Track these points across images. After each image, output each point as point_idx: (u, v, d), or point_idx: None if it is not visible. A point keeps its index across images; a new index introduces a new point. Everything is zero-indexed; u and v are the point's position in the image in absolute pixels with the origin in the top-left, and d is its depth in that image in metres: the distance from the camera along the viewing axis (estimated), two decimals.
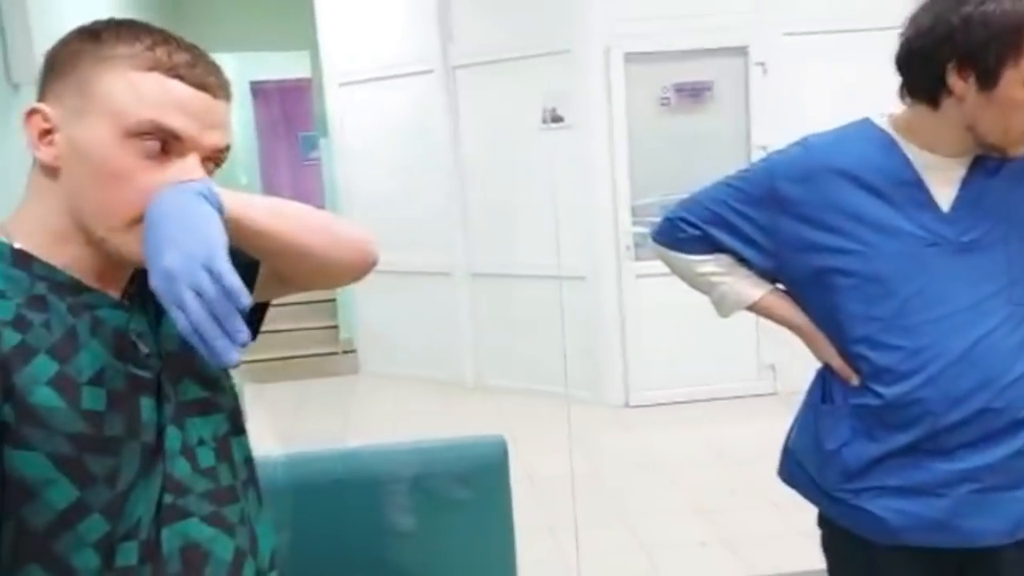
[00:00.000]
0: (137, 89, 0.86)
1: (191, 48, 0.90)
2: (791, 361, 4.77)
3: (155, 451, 0.90)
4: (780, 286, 1.50)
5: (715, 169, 5.52)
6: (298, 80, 7.95)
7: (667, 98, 4.62)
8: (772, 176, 1.43)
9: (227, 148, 0.92)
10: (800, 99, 4.58)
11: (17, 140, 3.04)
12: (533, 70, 4.76)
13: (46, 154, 0.88)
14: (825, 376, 1.47)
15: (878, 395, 1.36)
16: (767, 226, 1.43)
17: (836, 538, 1.48)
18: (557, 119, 4.75)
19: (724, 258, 1.49)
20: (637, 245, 4.68)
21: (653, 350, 4.78)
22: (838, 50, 4.61)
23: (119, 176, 0.86)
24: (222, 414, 1.00)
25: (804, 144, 1.45)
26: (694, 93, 4.63)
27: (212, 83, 0.89)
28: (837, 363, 1.42)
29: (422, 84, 5.19)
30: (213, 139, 0.89)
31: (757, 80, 4.62)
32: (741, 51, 4.62)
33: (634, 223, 4.66)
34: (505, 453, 1.55)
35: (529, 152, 4.89)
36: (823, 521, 1.51)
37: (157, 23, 0.94)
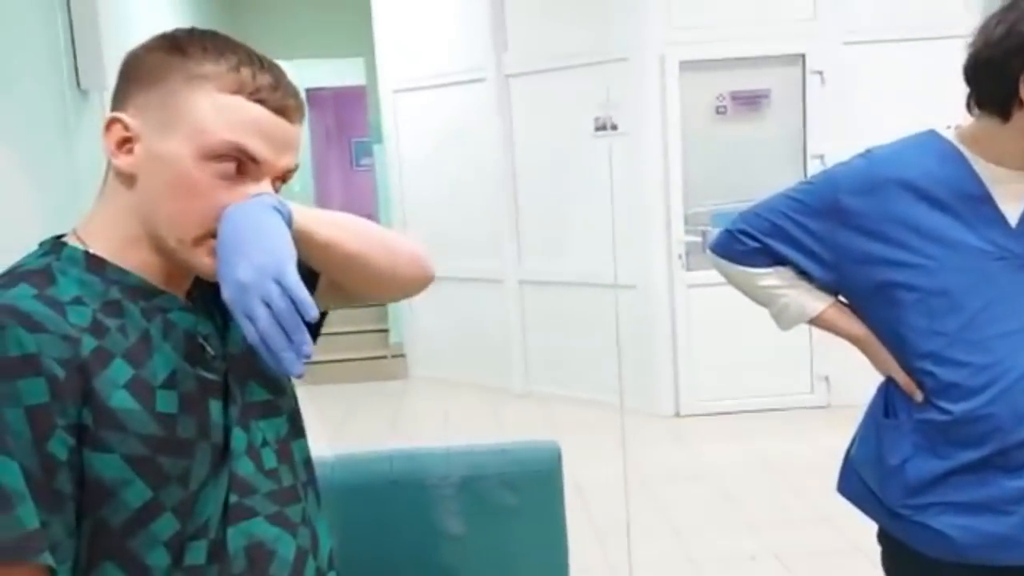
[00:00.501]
0: (221, 112, 0.87)
1: (272, 68, 0.92)
2: (845, 374, 4.72)
3: (222, 452, 0.92)
4: (842, 299, 1.49)
5: (770, 178, 5.48)
6: (352, 87, 8.04)
7: (723, 106, 4.59)
8: (835, 188, 1.41)
9: (296, 168, 0.94)
10: (858, 109, 4.53)
11: (87, 144, 3.12)
12: (586, 78, 4.77)
13: (124, 162, 0.90)
14: (888, 390, 1.45)
15: (944, 411, 1.34)
16: (829, 239, 1.41)
17: (897, 555, 1.45)
18: (611, 127, 4.74)
19: (785, 270, 1.47)
20: (689, 254, 4.66)
21: (704, 360, 4.75)
22: (898, 59, 4.54)
23: (194, 193, 0.88)
24: (283, 416, 1.02)
25: (867, 156, 1.43)
26: (750, 101, 4.59)
27: (291, 107, 0.91)
28: (901, 378, 1.40)
29: (475, 92, 5.23)
30: (286, 161, 0.92)
31: (815, 89, 4.57)
32: (798, 59, 4.57)
33: (687, 232, 4.64)
34: (559, 459, 1.54)
35: (581, 160, 4.90)
36: (883, 537, 1.49)
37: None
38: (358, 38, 5.97)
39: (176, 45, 0.90)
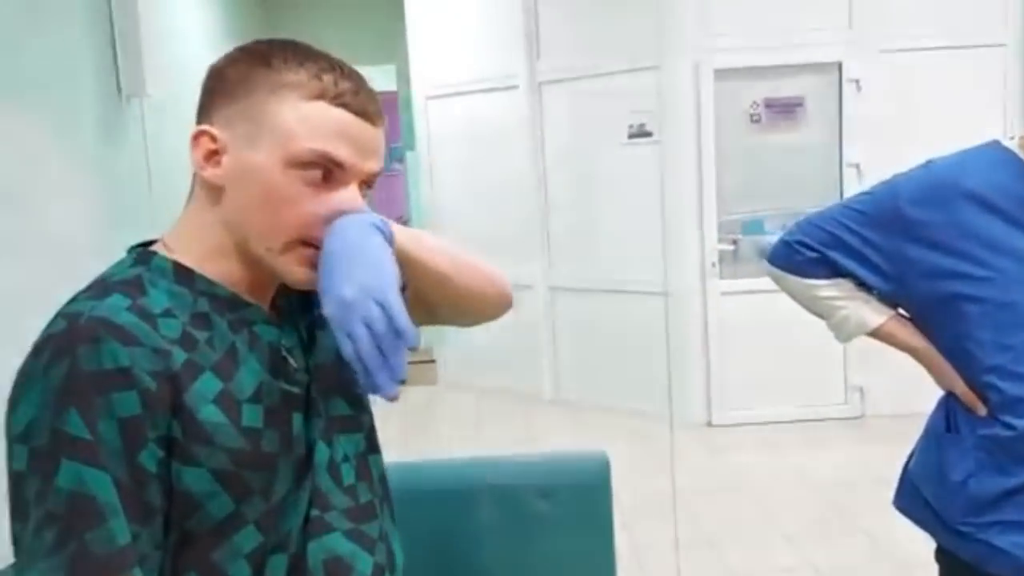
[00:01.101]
0: (307, 120, 0.88)
1: (353, 74, 0.92)
2: (879, 385, 4.67)
3: (304, 464, 0.92)
4: (902, 311, 1.47)
5: (804, 187, 5.41)
6: (384, 93, 8.07)
7: (757, 114, 4.56)
8: (896, 199, 1.40)
9: (380, 172, 0.94)
10: (894, 117, 4.48)
11: (128, 149, 3.15)
12: (620, 85, 4.76)
13: (212, 175, 0.90)
14: (949, 404, 1.43)
15: (1009, 426, 1.31)
16: (890, 250, 1.40)
17: (957, 573, 1.43)
18: (644, 134, 4.73)
19: (844, 282, 1.46)
20: (723, 262, 4.63)
21: (737, 369, 4.71)
22: (936, 68, 4.49)
23: (284, 202, 0.88)
24: (362, 432, 1.02)
25: (929, 166, 1.41)
26: (785, 109, 4.56)
27: (372, 111, 0.92)
28: (963, 392, 1.38)
29: (508, 99, 5.23)
30: (371, 166, 0.92)
31: (851, 97, 4.53)
32: (834, 67, 4.53)
33: (720, 240, 4.61)
34: (607, 469, 1.53)
35: (614, 167, 4.88)
36: (942, 555, 1.46)
37: (250, 38, 0.97)
38: (389, 45, 5.99)
39: (260, 56, 0.91)
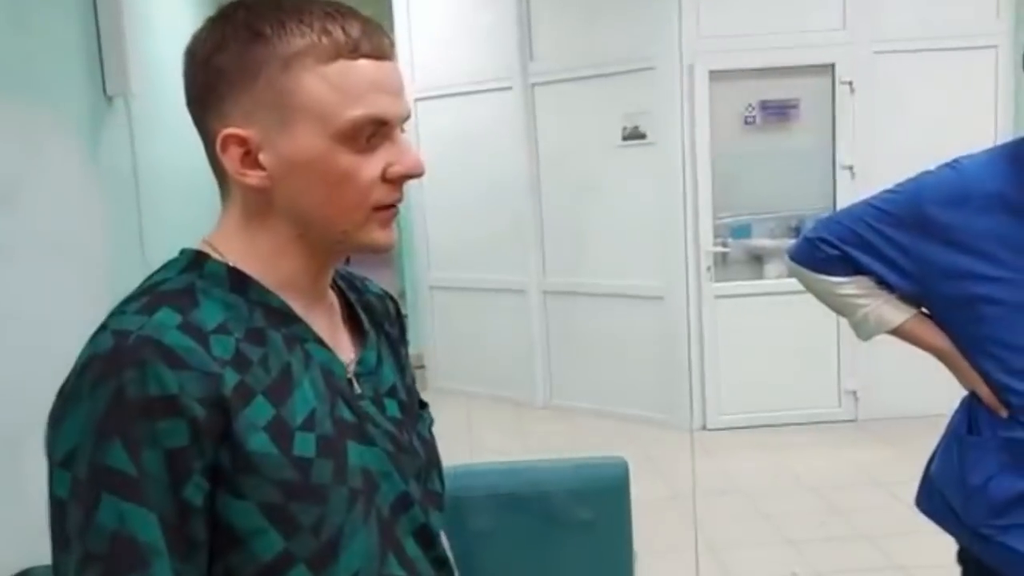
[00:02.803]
0: (336, 86, 0.81)
1: (348, 12, 0.84)
2: (873, 387, 4.66)
3: (363, 499, 0.85)
4: (923, 310, 1.44)
5: (799, 189, 5.39)
6: None
7: (752, 116, 4.55)
8: (921, 199, 1.37)
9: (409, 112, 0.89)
10: (889, 118, 4.49)
11: (112, 152, 3.08)
12: (614, 87, 4.73)
13: (254, 178, 0.83)
14: (971, 406, 1.40)
15: None
16: (913, 250, 1.37)
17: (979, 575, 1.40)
18: (638, 136, 4.70)
19: (865, 280, 1.43)
20: (717, 265, 4.61)
21: (731, 372, 4.69)
22: (929, 68, 4.49)
23: (345, 179, 0.83)
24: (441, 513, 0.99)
25: (956, 166, 1.38)
26: (779, 111, 4.54)
27: (387, 46, 0.85)
28: (984, 392, 1.35)
29: (501, 100, 5.18)
30: (405, 108, 0.87)
31: (844, 99, 4.52)
32: (828, 69, 4.52)
33: (715, 243, 4.59)
34: (626, 475, 1.52)
35: (608, 169, 4.85)
36: (964, 557, 1.43)
37: None
38: None
39: (248, 30, 0.81)
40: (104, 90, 3.27)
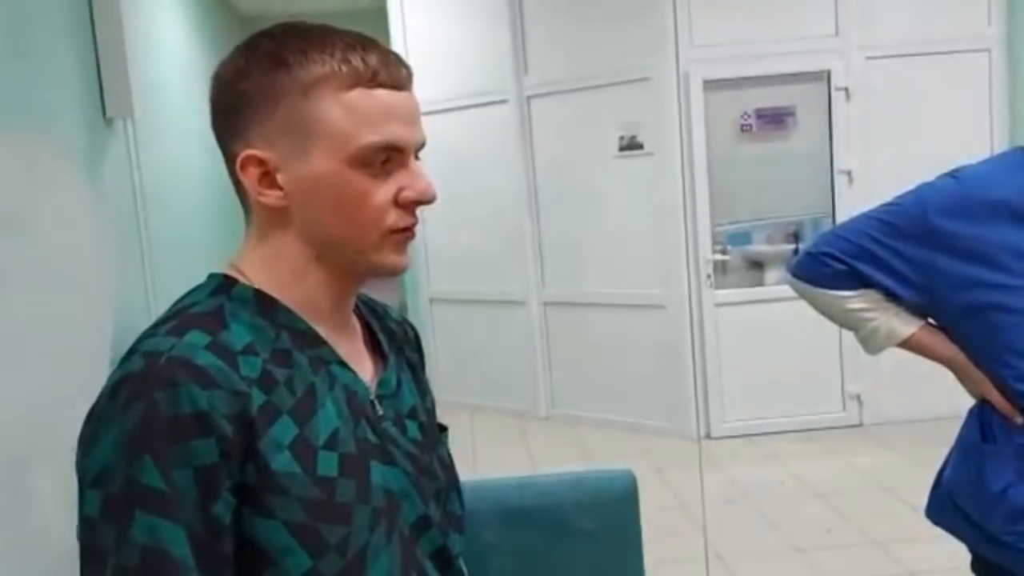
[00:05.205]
0: (354, 113, 0.84)
1: (371, 42, 0.87)
2: (876, 392, 4.66)
3: (386, 518, 0.87)
4: (931, 321, 1.44)
5: (797, 194, 5.40)
6: None
7: (748, 124, 4.56)
8: (924, 209, 1.37)
9: (425, 140, 0.92)
10: (884, 124, 4.51)
11: (113, 174, 3.08)
12: (609, 98, 4.74)
13: (273, 199, 0.86)
14: (983, 414, 1.40)
15: None
16: (919, 261, 1.37)
17: None
18: (635, 146, 4.71)
19: (873, 293, 1.43)
20: (717, 272, 4.61)
21: (734, 380, 4.69)
22: (923, 74, 4.51)
23: (358, 202, 0.85)
24: (455, 490, 1.00)
25: (958, 176, 1.39)
26: (775, 119, 4.56)
27: (404, 76, 0.88)
28: (998, 400, 1.35)
29: (496, 113, 5.20)
30: (420, 136, 0.90)
31: (840, 105, 4.54)
32: (823, 76, 4.54)
33: (713, 250, 4.60)
34: (635, 486, 1.52)
35: (605, 179, 4.86)
36: (980, 565, 1.43)
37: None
38: None
39: (272, 58, 0.85)
40: (104, 112, 3.28)
